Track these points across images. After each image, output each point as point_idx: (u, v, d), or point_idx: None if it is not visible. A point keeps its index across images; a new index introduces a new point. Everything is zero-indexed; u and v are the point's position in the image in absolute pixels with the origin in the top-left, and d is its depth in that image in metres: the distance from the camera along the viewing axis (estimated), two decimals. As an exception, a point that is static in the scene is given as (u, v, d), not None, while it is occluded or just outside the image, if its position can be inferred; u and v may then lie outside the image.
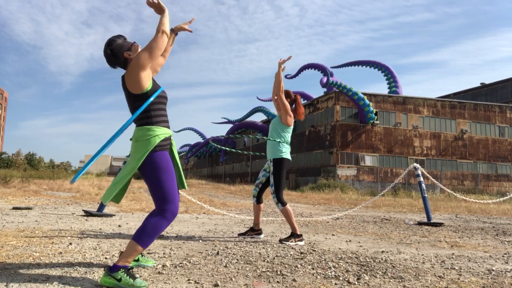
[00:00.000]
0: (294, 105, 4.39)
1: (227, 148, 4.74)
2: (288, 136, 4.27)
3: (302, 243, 4.03)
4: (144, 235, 2.31)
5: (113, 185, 2.39)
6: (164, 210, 2.37)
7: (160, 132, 2.42)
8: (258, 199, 4.38)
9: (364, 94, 28.62)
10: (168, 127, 2.54)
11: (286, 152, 4.18)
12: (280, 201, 4.07)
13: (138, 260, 2.71)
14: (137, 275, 2.46)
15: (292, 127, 4.32)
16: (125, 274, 2.24)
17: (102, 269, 2.59)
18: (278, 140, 4.16)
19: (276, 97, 4.30)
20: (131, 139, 2.51)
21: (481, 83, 42.99)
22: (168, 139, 2.49)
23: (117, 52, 2.49)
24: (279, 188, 4.09)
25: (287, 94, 4.35)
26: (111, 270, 2.25)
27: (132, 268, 2.55)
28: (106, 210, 6.49)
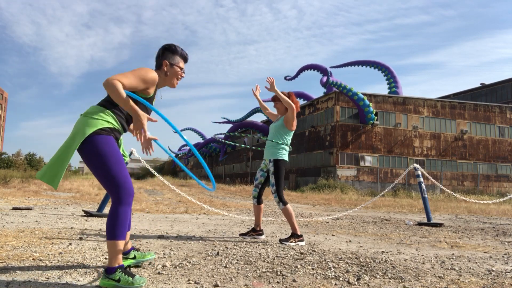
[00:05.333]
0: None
1: (230, 142, 4.77)
2: (289, 139, 4.31)
3: (302, 243, 4.03)
4: (109, 230, 2.25)
5: (61, 164, 2.27)
6: (116, 198, 2.30)
7: (112, 122, 2.37)
8: (258, 200, 4.39)
9: (364, 94, 28.62)
10: (122, 128, 2.48)
11: (285, 154, 4.24)
12: (282, 201, 4.09)
13: (135, 257, 2.69)
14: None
15: (293, 131, 4.36)
16: (123, 273, 2.23)
17: (102, 269, 2.59)
18: (280, 142, 4.19)
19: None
20: (81, 114, 2.40)
21: (481, 84, 43.00)
22: (117, 132, 2.43)
23: (164, 54, 2.59)
24: (279, 187, 4.11)
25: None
26: (108, 272, 2.24)
27: (129, 266, 2.54)
28: (106, 210, 6.49)
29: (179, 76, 2.62)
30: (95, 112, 2.34)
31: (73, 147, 2.26)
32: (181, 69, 2.63)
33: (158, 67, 2.60)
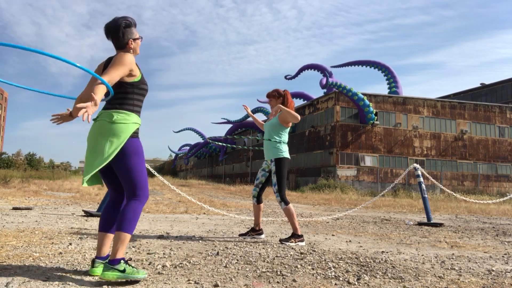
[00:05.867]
0: (284, 101, 4.36)
1: (228, 145, 4.76)
2: (286, 136, 4.28)
3: (302, 243, 4.02)
4: (127, 223, 2.35)
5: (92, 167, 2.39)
6: (138, 195, 2.44)
7: (137, 121, 2.53)
8: (258, 199, 4.38)
9: (364, 94, 28.62)
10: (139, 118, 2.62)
11: (286, 151, 4.20)
12: (283, 200, 4.08)
13: (124, 271, 2.29)
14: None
15: (289, 127, 4.34)
16: (127, 265, 2.27)
17: (98, 263, 2.59)
18: (278, 140, 4.17)
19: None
20: (94, 120, 2.51)
21: (481, 84, 42.98)
22: (138, 129, 2.58)
23: (126, 33, 2.55)
24: (282, 187, 4.10)
25: (278, 93, 4.34)
26: (112, 263, 2.26)
27: (130, 259, 2.54)
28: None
29: (139, 43, 2.67)
30: (124, 117, 2.46)
31: (116, 151, 2.39)
32: (140, 37, 2.66)
33: (124, 47, 2.57)
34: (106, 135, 2.39)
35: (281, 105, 4.18)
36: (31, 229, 4.23)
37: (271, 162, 4.18)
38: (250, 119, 41.79)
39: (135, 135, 2.50)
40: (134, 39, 2.60)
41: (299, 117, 4.15)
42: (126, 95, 2.49)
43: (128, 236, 2.35)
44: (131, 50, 2.60)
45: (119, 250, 2.30)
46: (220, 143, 4.19)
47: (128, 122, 2.44)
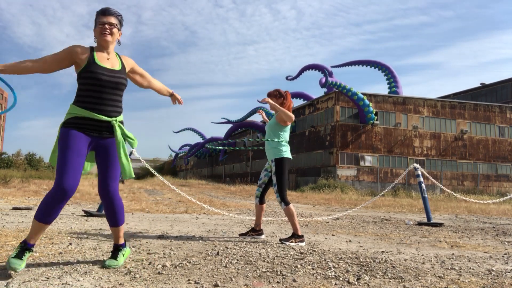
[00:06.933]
0: (283, 101, 4.35)
1: (225, 148, 4.76)
2: (286, 135, 4.28)
3: (303, 243, 4.02)
4: (37, 209, 2.42)
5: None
6: (54, 183, 2.41)
7: (73, 111, 2.53)
8: (261, 200, 4.38)
9: (364, 94, 28.61)
10: (91, 109, 2.54)
11: (286, 151, 4.19)
12: (284, 200, 4.08)
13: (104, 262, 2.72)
14: (137, 275, 2.46)
15: (289, 126, 4.33)
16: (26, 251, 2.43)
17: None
18: (277, 140, 4.16)
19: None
20: None
21: (481, 83, 42.96)
22: (82, 118, 2.53)
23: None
24: (282, 187, 4.10)
25: (279, 93, 4.34)
26: (123, 246, 2.77)
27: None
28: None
29: (103, 31, 2.60)
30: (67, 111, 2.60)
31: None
32: (103, 23, 2.60)
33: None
34: None
35: (269, 100, 4.19)
36: (31, 229, 4.23)
37: (272, 162, 4.19)
38: (250, 119, 41.81)
39: (67, 125, 2.52)
40: (94, 27, 2.66)
41: (293, 117, 4.15)
42: (78, 87, 2.60)
43: (36, 222, 2.41)
44: (95, 39, 2.67)
45: (33, 236, 2.45)
46: (220, 147, 4.19)
47: (66, 114, 2.56)
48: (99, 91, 2.54)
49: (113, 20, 2.63)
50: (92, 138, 2.58)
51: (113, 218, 2.71)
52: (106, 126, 2.59)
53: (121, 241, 2.78)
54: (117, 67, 2.66)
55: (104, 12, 2.62)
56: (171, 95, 3.20)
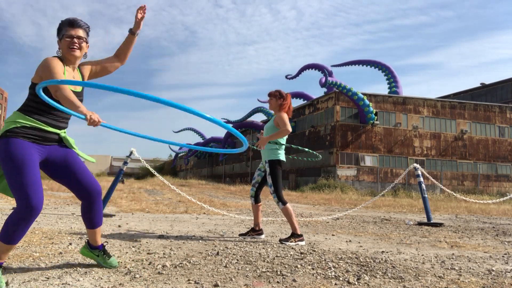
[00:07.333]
0: (283, 103, 4.34)
1: (224, 150, 4.77)
2: (283, 139, 4.32)
3: (302, 243, 4.03)
4: (3, 231, 2.20)
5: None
6: (19, 203, 2.19)
7: (22, 120, 2.27)
8: (256, 199, 4.42)
9: (364, 94, 28.61)
10: (46, 123, 2.34)
11: (281, 154, 4.28)
12: (281, 200, 4.11)
13: (98, 256, 2.68)
14: (137, 275, 2.47)
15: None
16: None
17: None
18: (274, 143, 4.22)
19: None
20: None
21: (481, 83, 42.97)
22: (34, 129, 2.30)
23: (58, 34, 2.44)
24: (277, 187, 4.14)
25: (280, 94, 4.35)
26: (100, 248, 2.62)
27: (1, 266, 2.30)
28: (106, 210, 6.49)
29: (72, 46, 2.39)
30: (9, 117, 2.30)
31: None
32: (71, 36, 2.39)
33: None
34: None
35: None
36: (31, 229, 4.23)
37: (265, 163, 4.24)
38: (250, 119, 41.80)
39: (10, 134, 2.24)
40: (60, 39, 2.43)
41: (290, 129, 4.14)
42: (31, 97, 2.37)
43: (2, 244, 2.19)
44: (59, 51, 2.45)
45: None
46: (218, 149, 4.20)
47: (8, 121, 2.29)
48: (56, 110, 2.37)
49: (81, 33, 2.43)
50: (43, 148, 2.38)
51: (98, 218, 2.59)
52: (54, 138, 2.43)
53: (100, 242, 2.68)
54: (79, 88, 2.49)
55: (72, 24, 2.41)
56: (134, 33, 2.69)
